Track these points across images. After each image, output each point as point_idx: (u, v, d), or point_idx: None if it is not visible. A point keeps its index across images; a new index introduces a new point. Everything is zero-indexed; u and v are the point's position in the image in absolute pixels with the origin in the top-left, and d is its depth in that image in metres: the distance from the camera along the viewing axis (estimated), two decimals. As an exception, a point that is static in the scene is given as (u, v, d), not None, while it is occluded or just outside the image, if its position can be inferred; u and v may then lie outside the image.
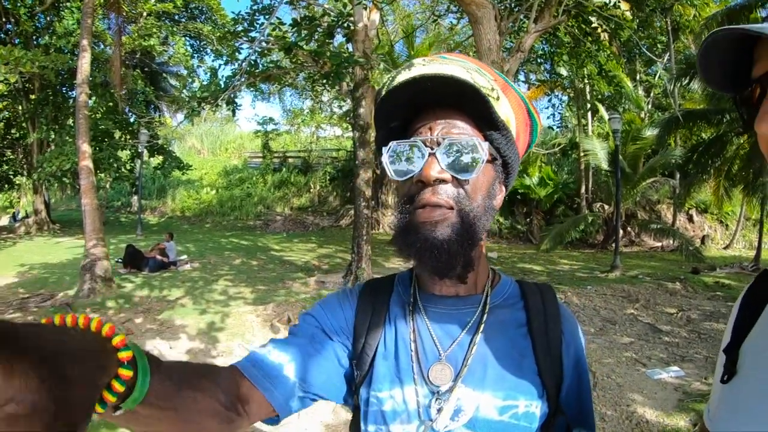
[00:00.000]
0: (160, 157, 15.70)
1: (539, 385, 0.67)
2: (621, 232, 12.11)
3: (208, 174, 22.06)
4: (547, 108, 12.63)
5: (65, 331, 0.40)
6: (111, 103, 14.21)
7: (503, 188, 0.71)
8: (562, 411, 0.70)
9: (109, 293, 6.78)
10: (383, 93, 0.65)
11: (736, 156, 11.07)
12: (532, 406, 0.65)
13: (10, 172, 16.68)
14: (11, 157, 16.76)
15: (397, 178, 0.65)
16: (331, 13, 7.79)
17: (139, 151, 14.43)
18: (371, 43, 7.95)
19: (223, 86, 7.81)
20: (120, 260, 8.92)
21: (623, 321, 6.12)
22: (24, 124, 15.35)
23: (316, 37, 7.55)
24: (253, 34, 7.91)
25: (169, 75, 20.74)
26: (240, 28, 7.89)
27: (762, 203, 11.20)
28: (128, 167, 14.96)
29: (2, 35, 14.41)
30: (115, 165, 13.61)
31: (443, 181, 0.62)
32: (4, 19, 13.98)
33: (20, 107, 15.02)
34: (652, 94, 15.86)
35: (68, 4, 13.67)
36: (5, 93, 13.59)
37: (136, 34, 14.65)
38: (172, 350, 4.77)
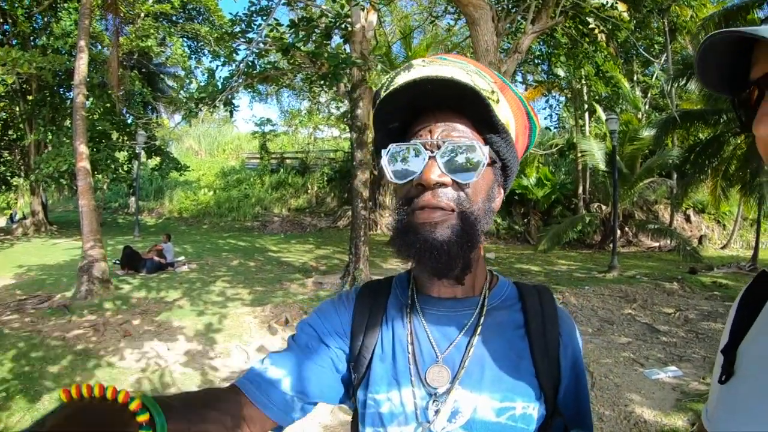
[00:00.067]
0: (158, 159, 15.67)
1: (536, 386, 0.67)
2: (618, 232, 12.16)
3: (205, 175, 22.03)
4: (545, 109, 12.65)
5: (86, 415, 0.44)
6: (108, 104, 14.15)
7: (502, 191, 0.71)
8: (560, 412, 0.70)
9: (107, 295, 6.76)
10: (382, 95, 0.65)
11: (733, 156, 11.12)
12: (529, 408, 0.65)
13: (7, 174, 16.67)
14: (8, 158, 16.74)
15: (397, 180, 0.65)
16: (329, 14, 7.79)
17: (137, 152, 14.42)
18: (369, 44, 7.96)
19: (220, 87, 7.82)
20: (117, 262, 8.91)
21: (621, 321, 6.12)
22: (21, 125, 15.30)
23: (314, 38, 7.55)
24: (250, 35, 7.92)
25: (166, 76, 20.74)
26: (237, 29, 7.89)
27: (759, 203, 11.24)
28: (125, 168, 14.93)
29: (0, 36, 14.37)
30: (113, 166, 13.58)
31: (443, 184, 0.62)
32: (1, 20, 13.93)
33: (17, 108, 14.95)
34: (649, 95, 15.88)
35: (66, 5, 13.64)
36: (2, 94, 13.49)
37: (134, 35, 14.60)
38: (170, 352, 4.75)
